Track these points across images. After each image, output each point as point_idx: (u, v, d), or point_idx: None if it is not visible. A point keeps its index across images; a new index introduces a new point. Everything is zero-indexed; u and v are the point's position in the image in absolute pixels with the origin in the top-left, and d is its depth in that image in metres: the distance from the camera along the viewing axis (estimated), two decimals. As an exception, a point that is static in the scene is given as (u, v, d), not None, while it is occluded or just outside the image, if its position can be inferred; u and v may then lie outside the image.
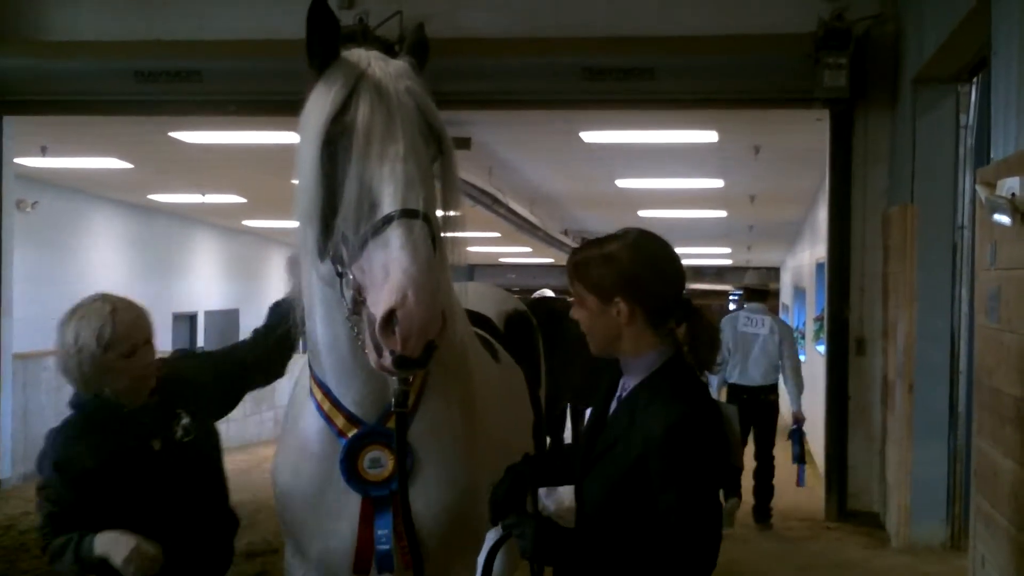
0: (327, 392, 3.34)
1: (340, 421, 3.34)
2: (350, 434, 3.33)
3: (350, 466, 3.33)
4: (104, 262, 20.72)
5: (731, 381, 10.63)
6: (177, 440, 3.70)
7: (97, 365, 3.64)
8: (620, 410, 2.98)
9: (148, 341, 3.73)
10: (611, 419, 3.00)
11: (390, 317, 2.69)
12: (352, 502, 3.36)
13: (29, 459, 13.43)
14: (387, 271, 2.73)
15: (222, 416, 4.03)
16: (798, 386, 10.83)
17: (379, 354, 2.79)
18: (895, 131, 10.27)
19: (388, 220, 2.78)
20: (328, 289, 3.13)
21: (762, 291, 11.45)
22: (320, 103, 3.00)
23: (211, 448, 3.86)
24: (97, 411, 3.71)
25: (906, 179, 9.60)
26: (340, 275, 2.94)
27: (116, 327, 3.64)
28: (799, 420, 10.85)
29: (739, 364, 10.58)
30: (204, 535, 3.77)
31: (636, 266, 2.95)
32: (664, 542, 2.77)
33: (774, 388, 10.80)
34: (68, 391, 13.18)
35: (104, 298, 3.76)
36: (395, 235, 2.75)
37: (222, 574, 3.92)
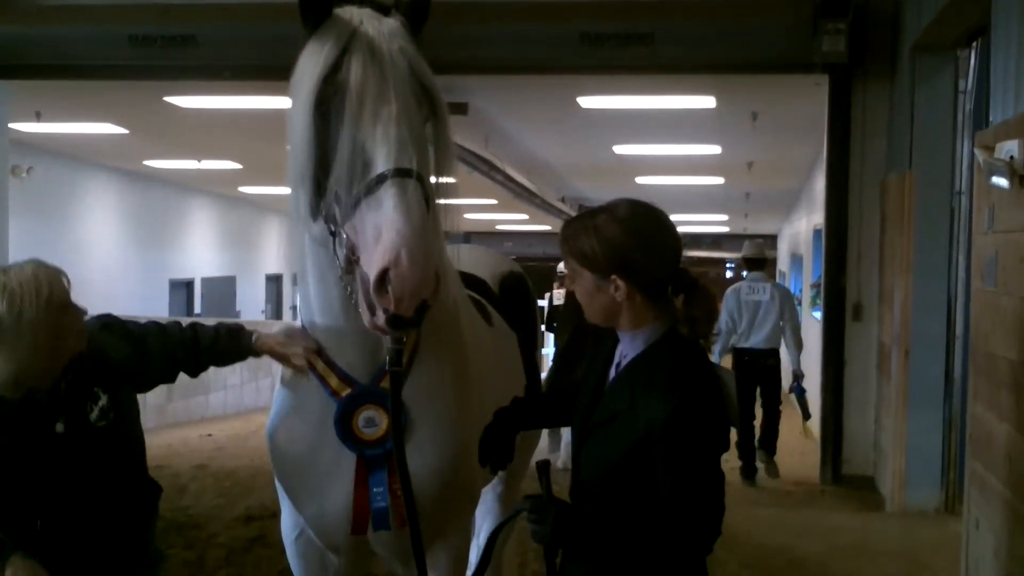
0: (320, 352, 3.34)
1: (334, 381, 3.34)
2: (344, 394, 3.33)
3: (345, 426, 3.33)
4: (100, 229, 20.70)
5: (737, 346, 11.27)
6: (91, 423, 3.51)
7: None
8: (618, 383, 2.96)
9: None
10: (609, 390, 2.98)
11: (383, 277, 2.69)
12: (346, 462, 3.37)
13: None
14: (380, 231, 2.72)
15: (140, 392, 3.82)
16: (798, 346, 11.53)
17: (372, 313, 2.79)
18: (894, 98, 10.25)
19: (381, 179, 2.78)
20: (321, 250, 3.12)
21: (760, 260, 11.89)
22: (312, 62, 2.99)
23: (129, 423, 3.66)
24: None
25: (904, 146, 9.58)
26: (333, 235, 2.93)
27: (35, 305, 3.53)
28: (799, 377, 11.52)
29: (745, 330, 11.24)
30: (117, 515, 3.62)
31: (630, 242, 2.89)
32: (666, 524, 2.77)
33: (775, 353, 11.42)
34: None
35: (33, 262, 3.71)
36: (388, 195, 2.75)
37: (144, 553, 3.78)
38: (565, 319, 11.40)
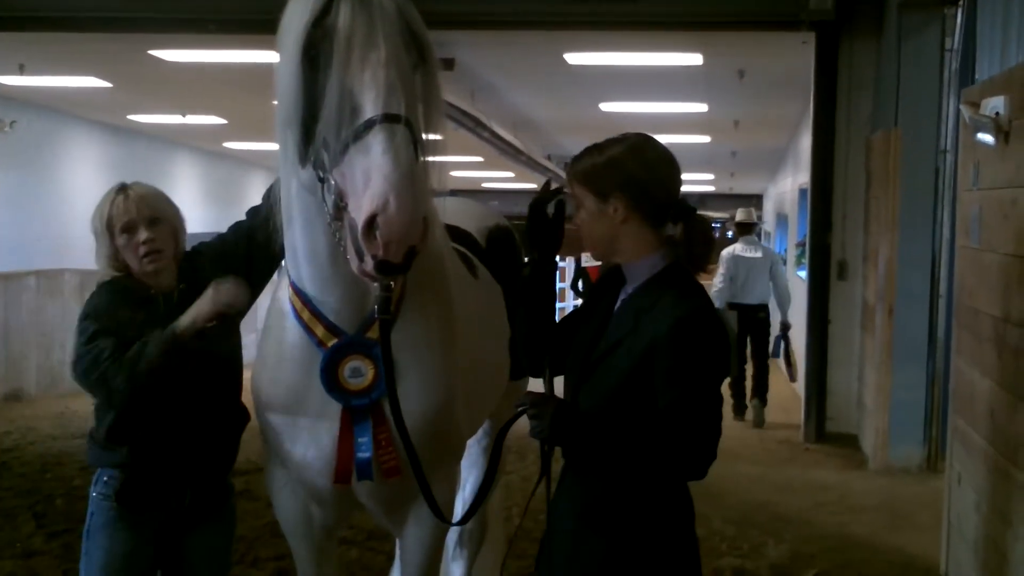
0: (306, 301, 3.34)
1: (320, 331, 3.34)
2: (330, 344, 3.33)
3: (330, 376, 3.34)
4: (84, 183, 20.54)
5: (731, 301, 12.19)
6: (202, 330, 3.61)
7: (103, 245, 3.72)
8: (621, 313, 2.99)
9: (155, 221, 3.70)
10: (612, 322, 3.01)
11: (371, 222, 2.68)
12: (330, 411, 3.37)
13: (11, 379, 13.50)
14: (368, 176, 2.71)
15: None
16: (787, 299, 12.61)
17: (360, 259, 2.79)
18: (880, 56, 10.24)
19: (369, 125, 2.77)
20: (308, 197, 3.12)
21: (752, 224, 13.02)
22: (300, 7, 2.98)
23: (233, 344, 3.80)
24: (124, 287, 3.69)
25: (890, 104, 9.59)
26: (321, 181, 2.92)
27: (115, 206, 3.69)
28: (786, 327, 12.64)
29: (739, 288, 12.24)
30: (219, 426, 3.76)
31: (633, 163, 2.96)
32: (669, 434, 2.81)
33: (765, 307, 12.57)
34: (49, 311, 13.20)
35: (123, 183, 3.80)
36: (376, 140, 2.74)
37: (228, 466, 3.93)
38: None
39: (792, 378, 13.16)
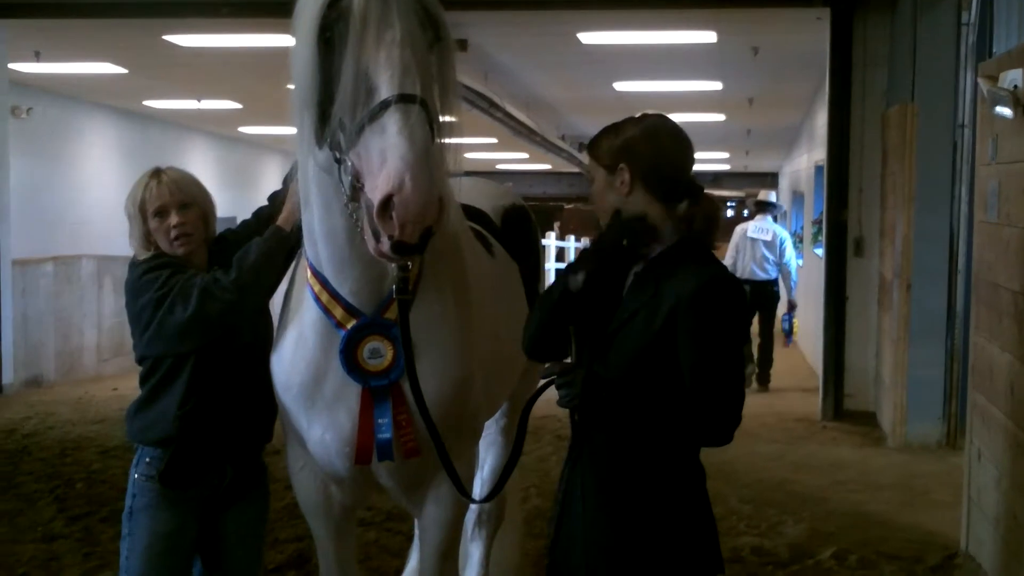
0: (324, 283, 3.34)
1: (339, 312, 3.34)
2: (349, 325, 3.34)
3: (350, 358, 3.34)
4: (100, 169, 20.61)
5: (743, 277, 12.78)
6: None
7: (136, 227, 3.80)
8: (639, 283, 3.01)
9: (186, 205, 3.78)
10: (628, 294, 3.03)
11: (387, 202, 2.68)
12: (349, 392, 3.38)
13: (30, 365, 13.56)
14: (384, 157, 2.71)
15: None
16: (790, 280, 13.72)
17: (377, 240, 2.79)
18: (895, 31, 10.18)
19: (385, 105, 2.77)
20: (325, 178, 3.12)
21: (770, 204, 13.90)
22: None
23: (266, 323, 3.84)
24: (165, 261, 3.75)
25: (906, 79, 9.53)
26: (338, 161, 2.92)
27: (148, 190, 3.77)
28: (793, 306, 14.20)
29: (746, 263, 13.03)
30: (256, 402, 3.79)
31: (642, 138, 3.02)
32: (695, 395, 2.85)
33: (775, 283, 13.46)
34: (67, 297, 13.20)
35: (156, 167, 3.89)
36: (392, 120, 2.74)
37: (264, 443, 4.00)
38: None
39: (784, 344, 14.89)
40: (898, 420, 9.52)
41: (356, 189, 2.85)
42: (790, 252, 13.68)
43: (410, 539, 5.57)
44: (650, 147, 3.01)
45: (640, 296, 2.97)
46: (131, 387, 13.50)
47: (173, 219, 3.74)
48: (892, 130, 9.93)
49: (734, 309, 2.93)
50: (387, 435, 3.36)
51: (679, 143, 3.08)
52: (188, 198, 3.80)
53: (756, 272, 13.20)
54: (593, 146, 3.09)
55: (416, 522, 4.00)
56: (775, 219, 14.22)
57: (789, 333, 15.04)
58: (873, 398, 10.78)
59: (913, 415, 9.45)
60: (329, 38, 2.93)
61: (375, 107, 2.78)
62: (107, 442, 9.70)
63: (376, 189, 2.71)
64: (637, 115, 3.13)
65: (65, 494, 7.89)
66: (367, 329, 3.34)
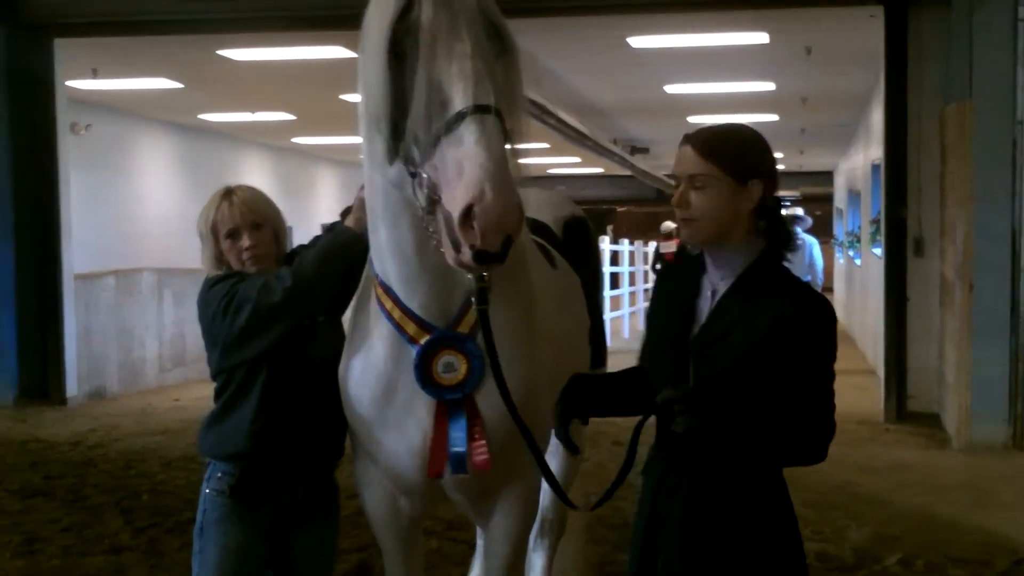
0: (395, 298, 3.36)
1: (411, 328, 3.35)
2: (422, 340, 3.36)
3: (424, 372, 3.35)
4: (156, 183, 20.87)
5: None
6: (307, 325, 3.74)
7: (208, 247, 3.84)
8: (728, 301, 2.96)
9: (258, 225, 3.81)
10: (716, 312, 2.97)
11: (468, 212, 2.69)
12: (419, 404, 3.39)
13: (93, 378, 13.74)
14: (462, 167, 2.72)
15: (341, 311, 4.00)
16: (819, 282, 14.88)
17: (457, 250, 2.78)
18: (951, 27, 10.07)
19: (460, 116, 2.77)
20: (393, 192, 3.13)
21: (799, 217, 14.28)
22: (383, 5, 3.00)
23: (339, 338, 3.82)
24: (234, 273, 3.80)
25: (963, 76, 9.43)
26: (412, 175, 2.93)
27: (220, 211, 3.80)
28: None
29: None
30: (328, 419, 3.78)
31: (769, 154, 3.00)
32: (797, 415, 2.83)
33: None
34: (128, 309, 13.35)
35: (228, 187, 3.91)
36: (468, 131, 2.75)
37: (336, 460, 4.00)
38: None
39: None
40: (962, 421, 9.41)
41: (433, 202, 2.85)
42: (817, 255, 14.90)
43: (472, 548, 5.58)
44: (774, 165, 3.01)
45: (730, 313, 2.93)
46: (192, 398, 13.69)
47: (245, 241, 3.77)
48: (950, 127, 9.82)
49: (833, 326, 2.92)
50: (461, 448, 3.37)
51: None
52: (260, 218, 3.82)
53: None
54: (716, 149, 2.95)
55: (480, 532, 4.00)
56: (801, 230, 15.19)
57: None
58: (937, 399, 10.66)
59: (977, 416, 9.33)
60: (399, 53, 2.95)
61: (451, 118, 2.79)
62: (170, 453, 9.81)
63: (456, 199, 2.71)
64: (735, 124, 3.07)
65: (130, 506, 7.97)
66: (440, 343, 3.35)
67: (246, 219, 3.79)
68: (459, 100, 2.80)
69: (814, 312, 2.87)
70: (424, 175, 2.86)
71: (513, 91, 3.05)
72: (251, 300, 3.64)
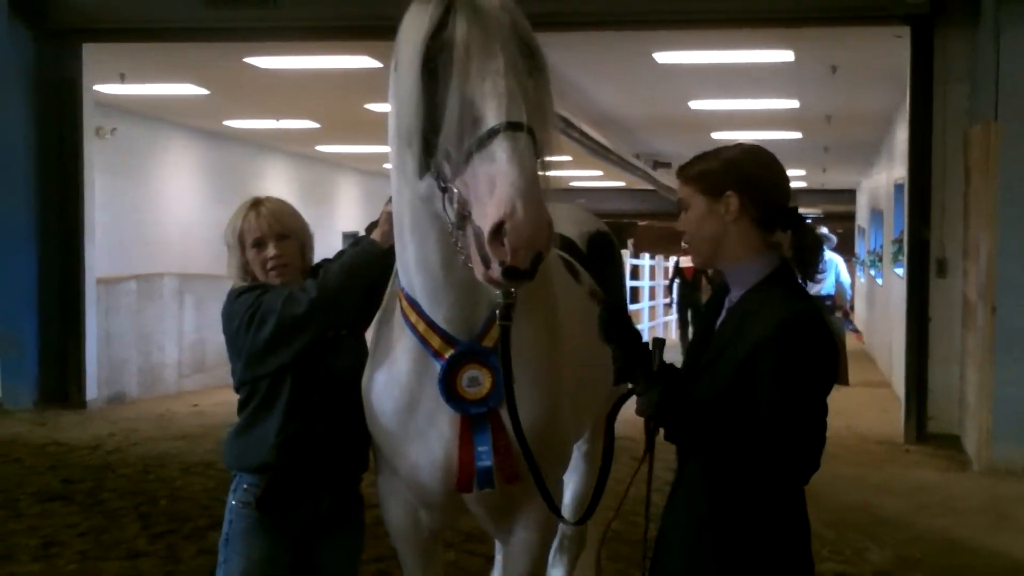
0: (420, 311, 3.37)
1: (436, 342, 3.36)
2: (447, 355, 3.36)
3: (449, 386, 3.36)
4: (180, 188, 20.96)
5: None
6: (331, 337, 3.76)
7: (234, 256, 3.86)
8: (728, 320, 2.98)
9: (284, 236, 3.84)
10: (718, 331, 3.00)
11: (499, 229, 2.69)
12: (441, 417, 3.40)
13: (113, 382, 13.79)
14: (494, 184, 2.72)
15: (365, 324, 4.03)
16: (846, 297, 16.05)
17: (487, 266, 2.78)
18: (977, 47, 10.04)
19: (493, 133, 2.78)
20: (421, 207, 3.14)
21: (828, 237, 14.40)
22: (417, 21, 3.00)
23: (364, 351, 3.85)
24: (258, 285, 3.82)
25: (989, 97, 9.40)
26: (443, 190, 2.93)
27: (247, 221, 3.82)
28: (845, 312, 16.43)
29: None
30: (353, 431, 3.78)
31: (749, 164, 2.98)
32: (768, 435, 2.78)
33: (831, 297, 15.12)
34: (148, 314, 13.35)
35: (256, 198, 3.94)
36: (501, 148, 2.75)
37: (361, 472, 4.00)
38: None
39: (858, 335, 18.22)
40: (983, 443, 9.36)
41: (463, 217, 2.86)
42: (843, 272, 15.75)
43: (490, 560, 5.57)
44: (760, 175, 2.98)
45: (729, 332, 2.94)
46: (211, 403, 13.69)
47: (270, 251, 3.79)
48: (974, 148, 9.79)
49: (815, 349, 2.83)
50: (487, 463, 3.37)
51: (783, 171, 3.05)
52: (286, 230, 3.85)
53: (818, 289, 14.19)
54: (689, 172, 3.03)
55: (499, 547, 4.00)
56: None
57: (851, 326, 17.58)
58: (957, 421, 10.61)
59: (999, 437, 9.28)
60: (432, 69, 2.95)
61: (483, 134, 2.79)
62: (189, 459, 9.84)
63: (487, 215, 2.71)
64: (731, 144, 3.07)
65: (148, 511, 7.99)
66: (464, 357, 3.35)
67: (272, 229, 3.81)
68: (492, 117, 2.81)
69: (792, 334, 2.81)
70: (455, 190, 2.86)
71: (544, 109, 3.05)
72: (275, 312, 3.66)
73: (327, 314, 3.70)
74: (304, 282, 3.72)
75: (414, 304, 3.38)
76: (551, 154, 3.08)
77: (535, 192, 2.71)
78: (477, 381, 3.35)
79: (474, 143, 2.80)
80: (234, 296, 3.83)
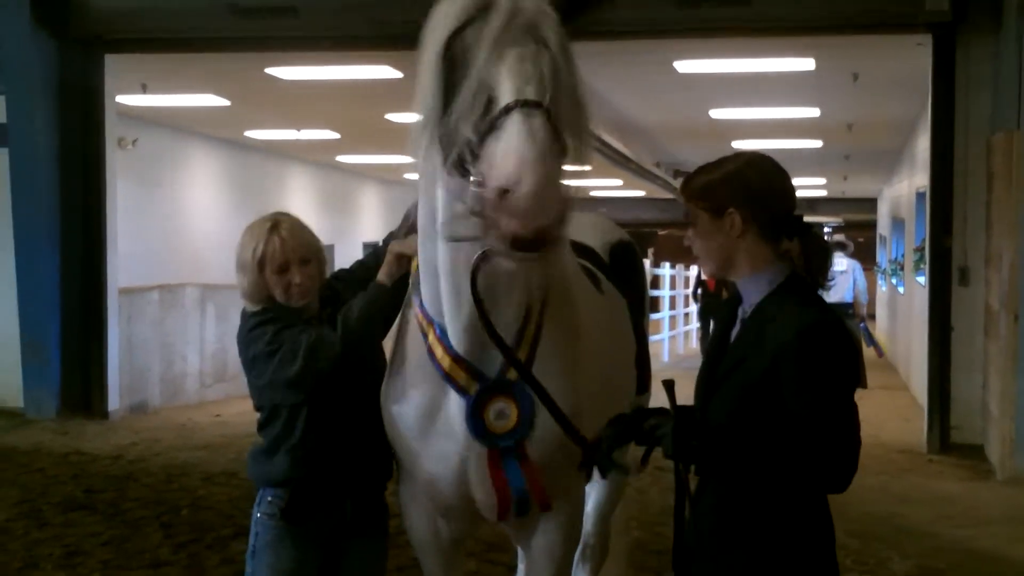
0: (447, 347, 3.36)
1: (461, 378, 3.36)
2: (473, 391, 3.36)
3: (478, 422, 3.36)
4: (202, 198, 21.03)
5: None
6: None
7: (251, 278, 3.81)
8: (745, 329, 2.96)
9: (306, 260, 3.81)
10: (735, 342, 2.99)
11: (503, 195, 2.66)
12: (459, 427, 3.41)
13: (135, 391, 13.84)
14: (503, 153, 2.70)
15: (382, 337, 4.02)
16: (863, 303, 16.38)
17: (491, 231, 2.76)
18: (999, 55, 10.01)
19: (507, 111, 2.76)
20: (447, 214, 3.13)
21: (841, 243, 16.21)
22: (443, 20, 2.99)
23: (384, 359, 3.85)
24: (274, 316, 3.80)
25: (1012, 105, 9.36)
26: (464, 174, 2.88)
27: (270, 245, 3.78)
28: (863, 319, 16.48)
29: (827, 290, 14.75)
30: (376, 438, 3.79)
31: (749, 176, 2.95)
32: (801, 447, 2.76)
33: (851, 305, 15.76)
34: (171, 324, 13.42)
35: (272, 217, 3.90)
36: (511, 122, 2.73)
37: (385, 479, 4.00)
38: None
39: (880, 353, 17.79)
40: (1006, 452, 9.31)
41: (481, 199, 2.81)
42: (860, 277, 16.27)
43: (511, 570, 5.57)
44: (761, 186, 2.94)
45: (746, 341, 2.92)
46: (233, 413, 13.69)
47: (296, 277, 3.77)
48: (997, 156, 9.75)
49: (837, 354, 2.82)
50: (522, 491, 3.41)
51: (785, 179, 3.02)
52: (308, 253, 3.83)
53: (836, 295, 15.02)
54: (691, 187, 3.00)
55: (521, 555, 4.00)
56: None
57: (871, 338, 16.68)
58: (980, 430, 10.55)
59: (1022, 447, 9.23)
60: (453, 59, 2.94)
61: (497, 113, 2.78)
62: (211, 468, 9.85)
63: (492, 179, 2.69)
64: (733, 154, 3.05)
65: (171, 520, 8.01)
66: (491, 391, 3.36)
67: (296, 254, 3.79)
68: (506, 96, 2.79)
69: (814, 340, 2.80)
70: (475, 178, 2.82)
71: (574, 103, 3.00)
72: (297, 360, 3.65)
73: (349, 359, 3.69)
74: (324, 331, 3.68)
75: (441, 338, 3.37)
76: (582, 137, 3.03)
77: (543, 162, 2.66)
78: (504, 414, 3.35)
79: (487, 124, 2.78)
80: (250, 327, 3.82)
